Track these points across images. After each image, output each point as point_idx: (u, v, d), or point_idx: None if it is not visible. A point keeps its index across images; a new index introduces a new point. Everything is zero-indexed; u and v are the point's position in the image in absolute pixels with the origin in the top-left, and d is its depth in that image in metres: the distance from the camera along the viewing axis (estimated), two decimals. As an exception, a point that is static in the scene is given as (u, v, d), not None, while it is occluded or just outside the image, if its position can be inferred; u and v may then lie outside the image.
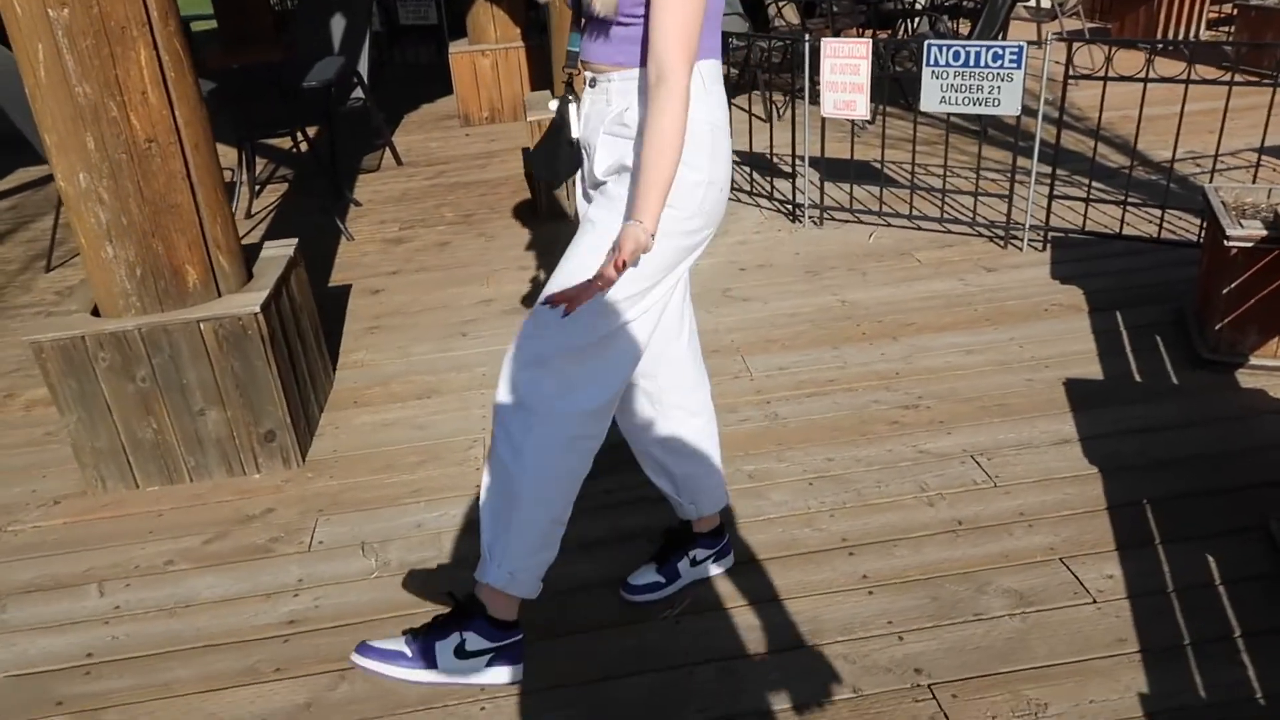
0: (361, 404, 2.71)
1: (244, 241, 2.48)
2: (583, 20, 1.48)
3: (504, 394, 1.51)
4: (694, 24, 1.33)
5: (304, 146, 4.93)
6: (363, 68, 4.82)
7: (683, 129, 1.34)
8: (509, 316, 3.20)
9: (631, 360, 1.51)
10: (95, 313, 2.27)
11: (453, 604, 1.64)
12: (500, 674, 1.63)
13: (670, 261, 1.48)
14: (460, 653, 1.60)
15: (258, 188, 4.78)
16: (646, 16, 1.35)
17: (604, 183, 1.52)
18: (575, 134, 1.57)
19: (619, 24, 1.40)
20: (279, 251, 2.58)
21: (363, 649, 1.65)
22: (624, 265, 1.32)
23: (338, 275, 3.71)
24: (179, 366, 2.21)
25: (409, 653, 1.62)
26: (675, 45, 1.32)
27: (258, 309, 2.21)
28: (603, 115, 1.50)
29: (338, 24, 4.94)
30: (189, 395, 2.25)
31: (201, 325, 2.18)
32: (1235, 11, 6.00)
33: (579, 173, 1.62)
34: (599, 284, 1.33)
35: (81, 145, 2.05)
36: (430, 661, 1.61)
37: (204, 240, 2.24)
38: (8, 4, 1.97)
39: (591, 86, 1.52)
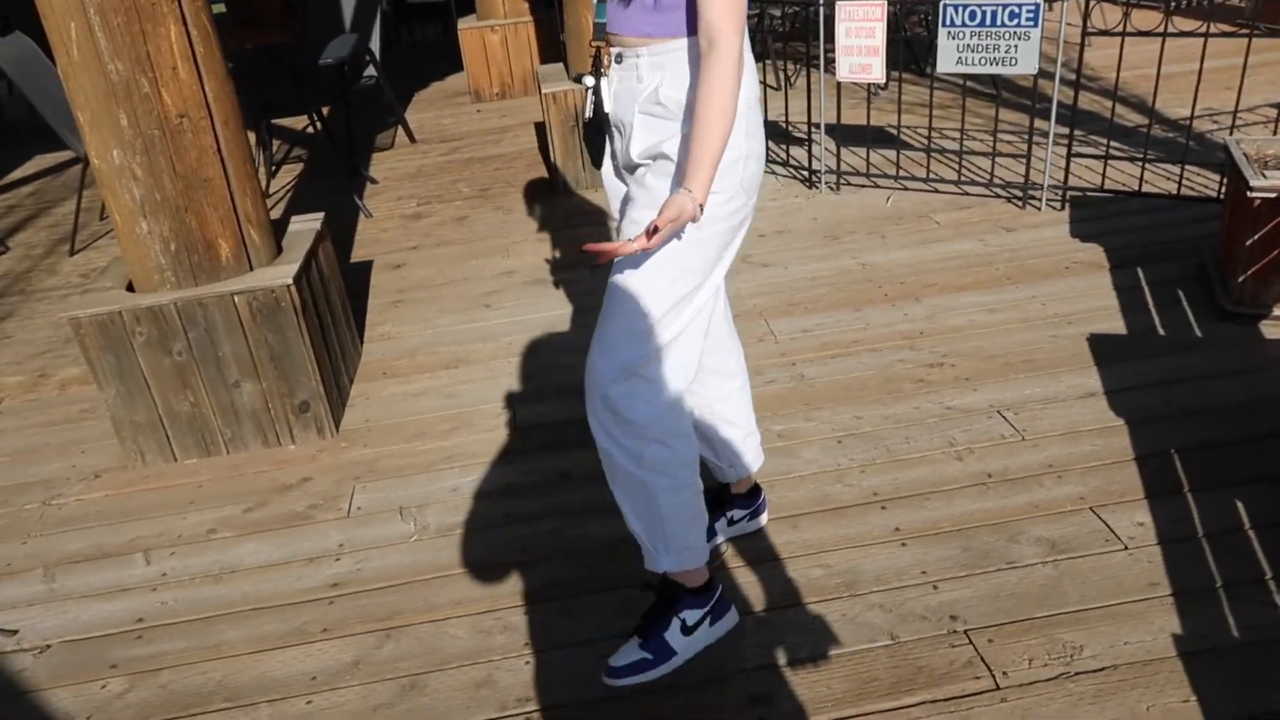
0: (390, 375, 2.74)
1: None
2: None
3: (601, 414, 1.48)
4: None
5: (319, 125, 4.96)
6: (375, 45, 4.83)
7: (736, 96, 1.31)
8: (531, 287, 3.23)
9: (700, 341, 1.50)
10: (129, 289, 2.31)
11: (654, 593, 1.66)
12: (725, 624, 1.67)
13: (721, 244, 1.45)
14: (685, 630, 1.62)
15: (274, 168, 4.81)
16: None
17: (640, 165, 1.47)
18: (607, 109, 1.51)
19: None
20: (306, 225, 2.61)
21: (611, 672, 1.61)
22: (660, 232, 1.28)
23: (359, 252, 3.74)
24: (214, 340, 2.25)
25: (650, 655, 1.62)
26: (728, 9, 1.28)
27: (290, 281, 2.24)
28: (634, 93, 1.44)
29: (349, 3, 4.94)
30: (224, 368, 2.29)
31: (236, 298, 2.22)
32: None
33: (607, 149, 1.58)
34: (637, 247, 1.30)
35: (115, 122, 2.07)
36: (669, 651, 1.62)
37: (235, 214, 2.27)
38: (37, -16, 1.99)
39: (618, 62, 1.46)
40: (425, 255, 3.62)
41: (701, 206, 1.32)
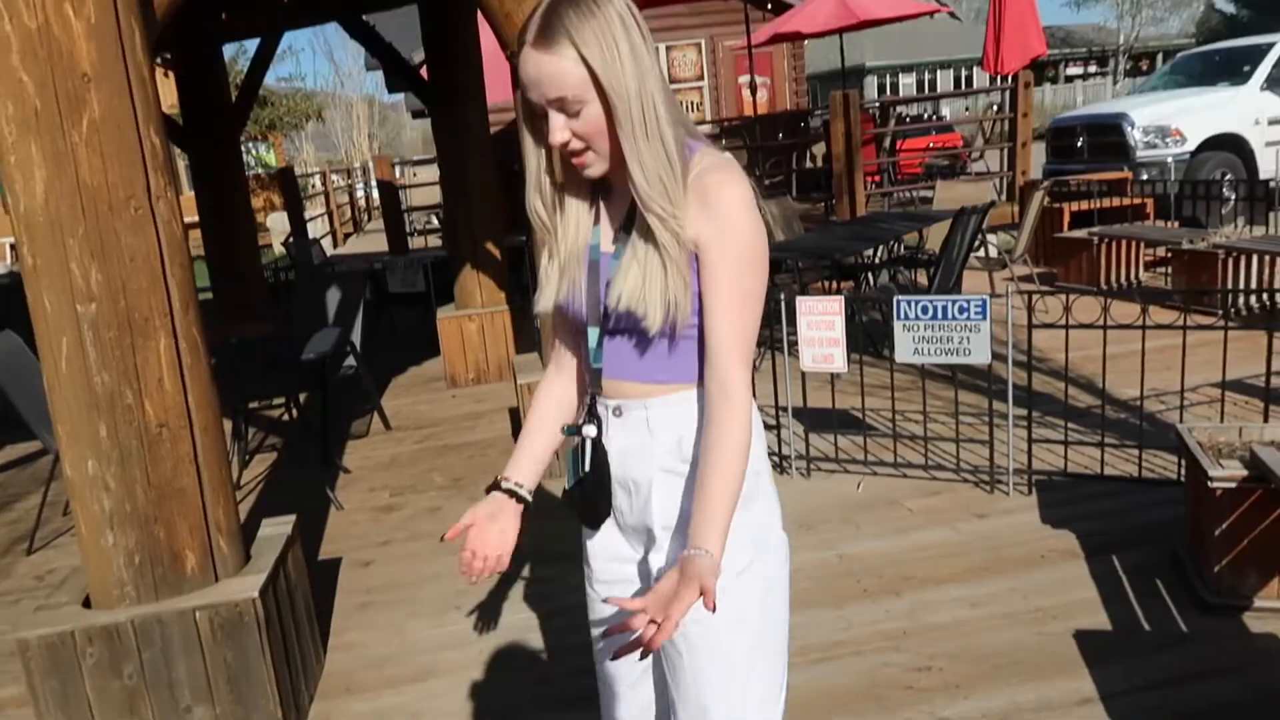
0: (354, 691, 2.59)
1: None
2: (601, 333, 1.34)
3: None
4: (756, 328, 1.26)
5: (295, 413, 5.03)
6: (356, 336, 5.01)
7: (749, 445, 1.25)
8: (504, 586, 3.15)
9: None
10: (86, 603, 2.22)
11: None
12: None
13: (784, 603, 1.39)
14: None
15: (248, 457, 4.81)
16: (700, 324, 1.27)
17: (660, 532, 1.34)
18: (613, 468, 1.37)
19: (665, 336, 1.28)
20: (277, 530, 2.57)
21: None
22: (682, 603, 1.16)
23: (328, 547, 3.66)
24: (169, 660, 2.14)
25: None
26: (739, 354, 1.23)
27: (255, 594, 2.17)
28: (648, 449, 1.33)
29: (333, 296, 5.18)
30: (176, 692, 2.16)
31: (197, 614, 2.13)
32: (1169, 255, 6.47)
33: (598, 507, 1.40)
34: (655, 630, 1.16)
35: (94, 434, 2.09)
36: None
37: (205, 523, 2.24)
38: (37, 300, 2.07)
39: (617, 415, 1.35)
40: (396, 551, 3.56)
41: (720, 565, 1.19)
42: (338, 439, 5.05)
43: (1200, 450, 2.68)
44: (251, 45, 8.08)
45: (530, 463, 1.47)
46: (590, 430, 1.36)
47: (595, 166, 1.27)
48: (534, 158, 1.32)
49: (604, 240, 1.35)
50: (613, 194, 1.36)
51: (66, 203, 2.02)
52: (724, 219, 1.23)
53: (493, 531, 1.40)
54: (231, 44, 10.98)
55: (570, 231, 1.36)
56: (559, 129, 1.22)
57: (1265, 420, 3.28)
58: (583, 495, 1.37)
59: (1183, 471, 3.19)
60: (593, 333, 1.34)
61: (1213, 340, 3.54)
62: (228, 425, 4.52)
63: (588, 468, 1.36)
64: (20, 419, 3.79)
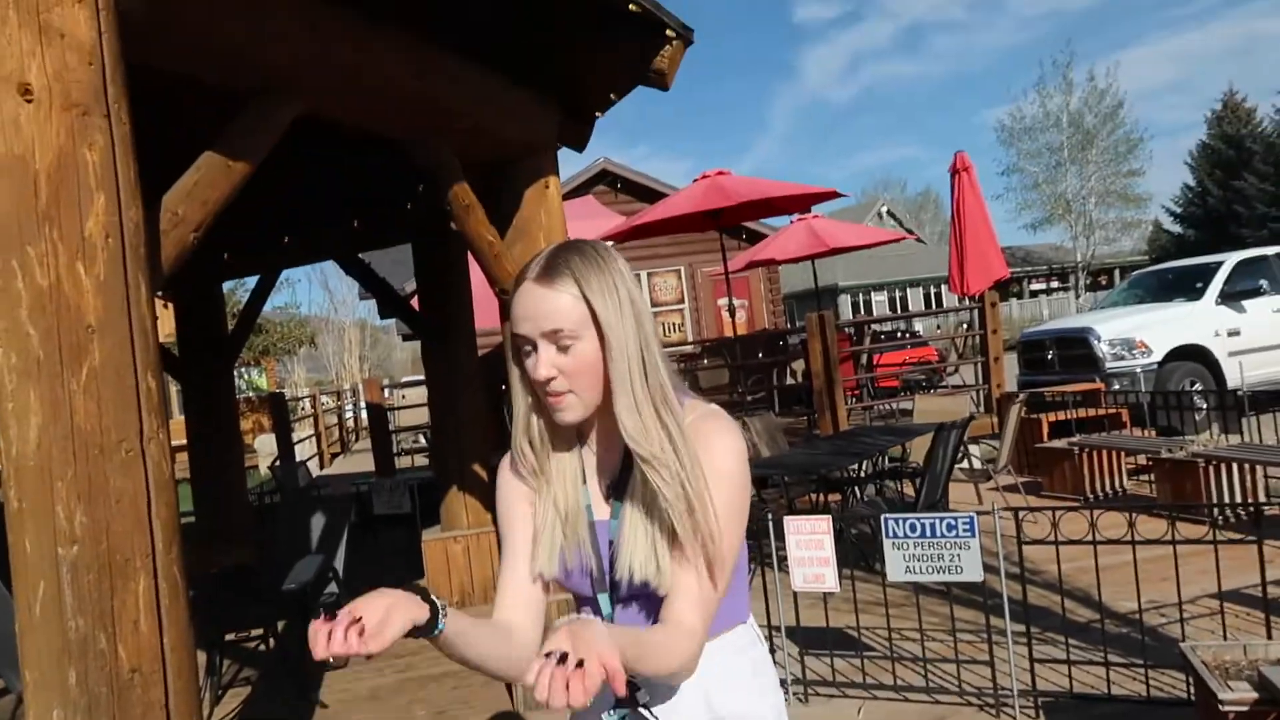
0: None
1: (211, 768, 2.33)
2: (613, 600, 1.31)
3: None
4: (725, 582, 1.27)
5: (272, 643, 4.84)
6: (339, 563, 4.92)
7: (684, 665, 1.21)
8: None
9: None
10: None
11: None
12: None
13: None
14: None
15: (220, 693, 4.59)
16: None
17: None
18: None
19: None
20: (247, 777, 2.42)
21: None
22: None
23: (299, 789, 3.43)
24: None
25: None
26: (706, 606, 1.25)
27: None
28: (675, 711, 1.30)
29: (317, 522, 5.13)
30: None
31: None
32: (1151, 463, 6.54)
33: None
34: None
35: (62, 682, 2.00)
36: None
37: (172, 774, 2.11)
38: (17, 542, 2.05)
39: (635, 690, 1.28)
40: (372, 793, 3.33)
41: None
42: (316, 671, 4.84)
43: (1207, 671, 2.61)
44: (251, 278, 8.44)
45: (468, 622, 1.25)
46: (644, 697, 1.29)
47: (572, 411, 1.26)
48: (523, 399, 1.33)
49: (594, 500, 1.34)
50: (594, 449, 1.35)
51: (59, 447, 2.04)
52: (716, 468, 1.25)
53: (377, 604, 1.12)
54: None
55: (562, 485, 1.33)
56: (546, 363, 1.24)
57: (1269, 636, 3.21)
58: None
59: (1192, 691, 3.08)
60: (604, 600, 1.31)
61: (1205, 550, 3.54)
62: (202, 659, 4.34)
63: None
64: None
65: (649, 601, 1.28)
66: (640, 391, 1.23)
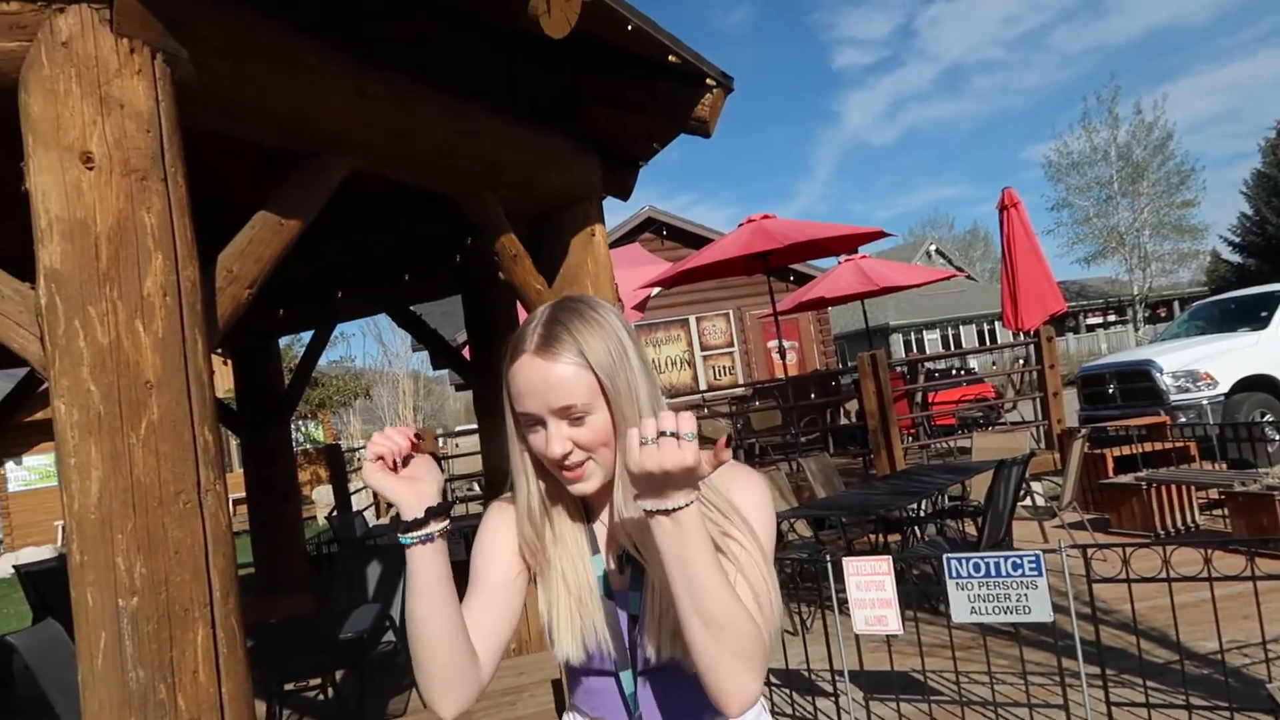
0: None
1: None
2: (635, 676, 1.24)
3: None
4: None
5: (331, 692, 4.85)
6: (396, 611, 4.93)
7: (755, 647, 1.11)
8: None
9: None
10: None
11: None
12: None
13: None
14: None
15: (279, 743, 4.60)
16: None
17: None
18: None
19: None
20: (304, 830, 2.40)
21: None
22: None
23: (357, 844, 3.40)
24: None
25: None
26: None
27: None
28: None
29: (374, 571, 5.16)
30: None
31: None
32: (1223, 496, 6.30)
33: None
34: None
35: (123, 733, 2.02)
36: None
37: (230, 828, 2.11)
38: (80, 596, 2.08)
39: None
40: (430, 847, 3.29)
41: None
42: (373, 719, 4.83)
43: (1296, 710, 2.47)
44: (306, 333, 8.62)
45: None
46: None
47: (593, 480, 1.21)
48: (524, 479, 1.26)
49: (610, 572, 1.27)
50: (605, 519, 1.29)
51: (119, 500, 2.08)
52: (748, 512, 1.20)
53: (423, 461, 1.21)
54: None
55: (570, 561, 1.27)
56: (560, 439, 1.18)
57: (1361, 673, 3.04)
58: None
59: (1282, 734, 2.92)
60: (626, 678, 1.24)
61: (1285, 586, 3.38)
62: (262, 709, 4.36)
63: None
64: (51, 710, 3.70)
65: (677, 677, 1.19)
66: None
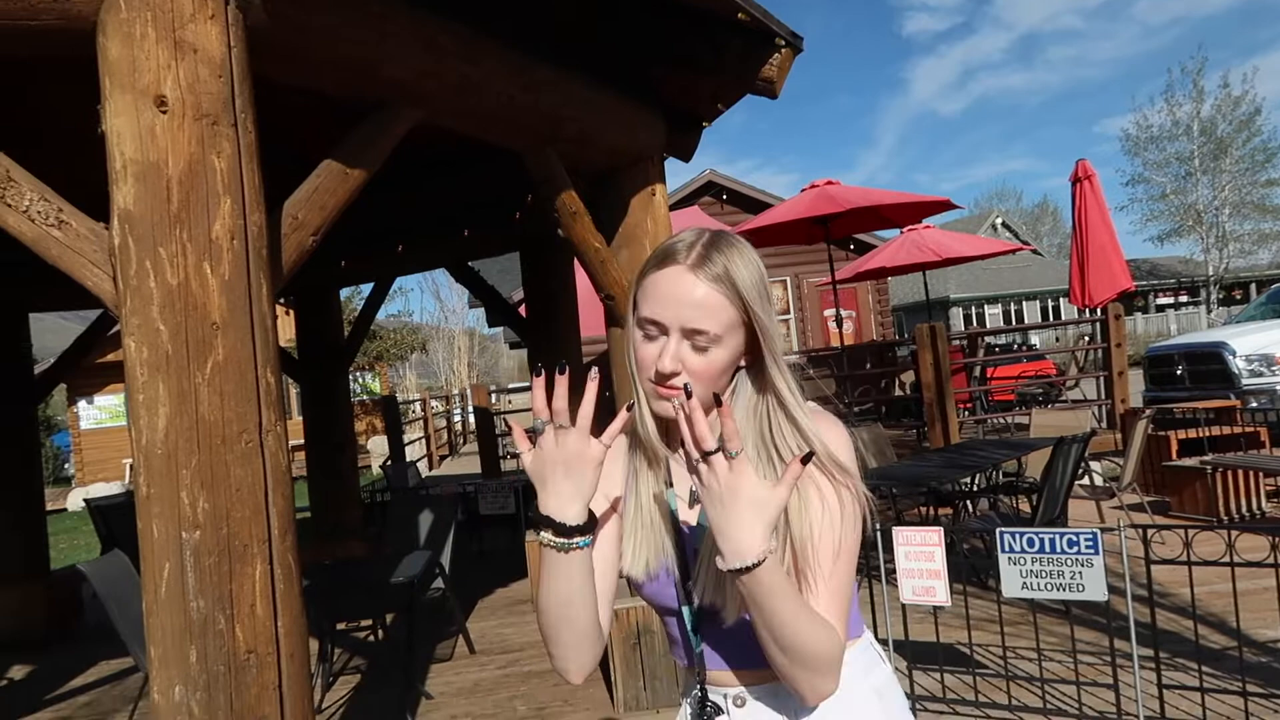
0: None
1: (320, 753, 2.40)
2: (697, 613, 1.22)
3: None
4: (850, 587, 1.19)
5: (381, 634, 4.98)
6: (445, 559, 5.02)
7: (827, 654, 1.12)
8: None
9: None
10: (157, 839, 2.14)
11: None
12: None
13: None
14: None
15: (331, 679, 4.74)
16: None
17: None
18: None
19: None
20: (354, 763, 2.48)
21: None
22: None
23: (404, 781, 3.51)
24: None
25: None
26: (838, 610, 1.16)
27: (327, 835, 2.07)
28: None
29: (425, 519, 5.26)
30: None
31: None
32: (1293, 484, 6.12)
33: None
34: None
35: (184, 659, 2.10)
36: None
37: (283, 755, 2.18)
38: (146, 527, 2.15)
39: (739, 705, 1.22)
40: (473, 788, 3.38)
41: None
42: (422, 662, 4.95)
43: (1359, 703, 2.40)
44: (366, 286, 8.75)
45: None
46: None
47: (671, 405, 1.17)
48: (643, 378, 1.23)
49: (679, 505, 1.25)
50: (677, 447, 1.23)
51: (184, 437, 2.14)
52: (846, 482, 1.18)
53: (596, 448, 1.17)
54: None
55: (648, 482, 1.26)
56: (672, 357, 1.16)
57: None
58: None
59: (1342, 727, 2.85)
60: (687, 614, 1.22)
61: (1355, 577, 3.27)
62: (315, 646, 4.51)
63: None
64: (117, 636, 3.86)
65: (746, 629, 1.15)
66: (797, 392, 1.20)
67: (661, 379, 1.18)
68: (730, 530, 1.05)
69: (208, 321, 2.18)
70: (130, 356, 2.16)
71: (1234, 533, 3.18)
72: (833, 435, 1.20)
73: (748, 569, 1.05)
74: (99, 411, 19.84)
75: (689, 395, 1.06)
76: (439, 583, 4.98)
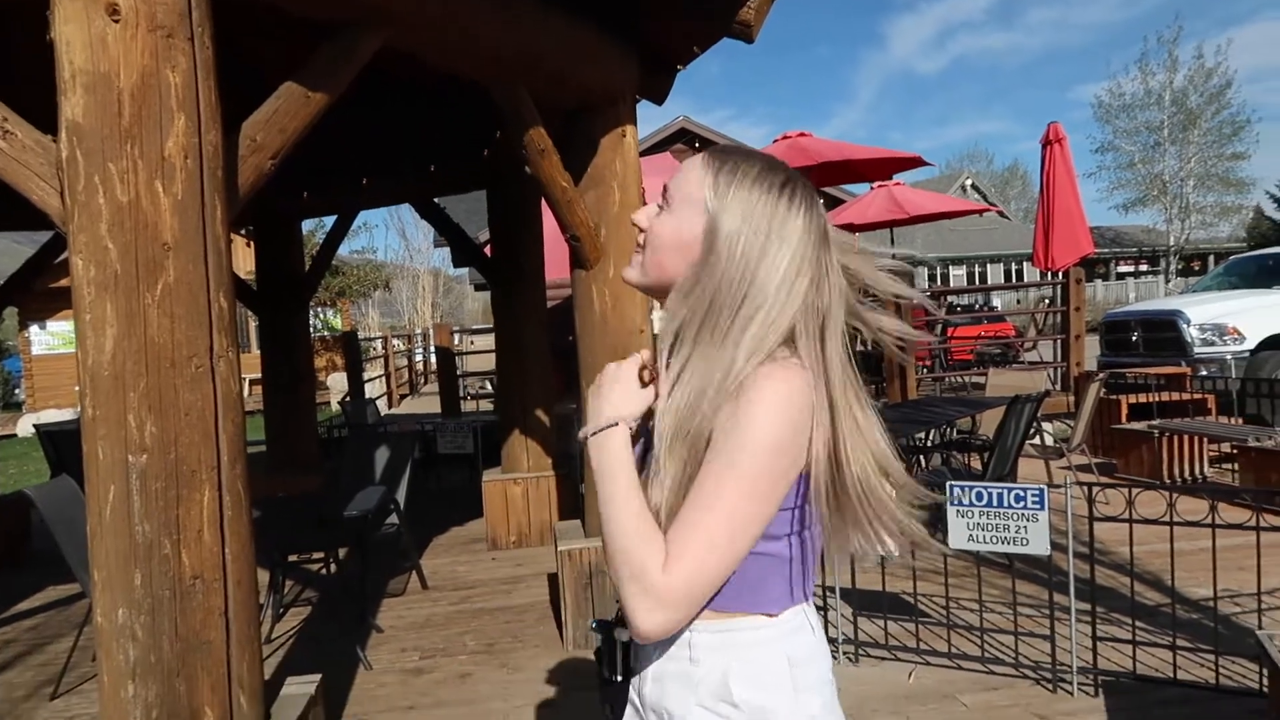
0: None
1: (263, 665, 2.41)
2: None
3: None
4: (728, 547, 1.11)
5: (333, 568, 4.98)
6: (401, 496, 5.02)
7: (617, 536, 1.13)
8: (531, 763, 2.99)
9: None
10: (99, 759, 2.14)
11: None
12: None
13: None
14: None
15: (282, 610, 4.75)
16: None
17: None
18: (644, 692, 1.24)
19: None
20: (299, 690, 2.49)
21: None
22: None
23: (352, 709, 3.54)
24: (175, 825, 2.03)
25: None
26: (690, 554, 1.11)
27: (271, 759, 2.08)
28: (689, 679, 1.18)
29: (382, 456, 5.23)
30: None
31: (208, 780, 2.04)
32: (1235, 451, 6.28)
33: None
34: None
35: (128, 582, 2.08)
36: None
37: (229, 680, 2.18)
38: (91, 450, 2.12)
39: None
40: (420, 718, 3.41)
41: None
42: (374, 596, 4.97)
43: (1281, 658, 2.50)
44: (329, 219, 8.59)
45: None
46: (623, 634, 1.25)
47: (632, 270, 1.26)
48: None
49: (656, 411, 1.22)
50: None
51: (133, 359, 2.09)
52: (746, 409, 1.09)
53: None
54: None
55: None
56: (644, 211, 1.24)
57: (1351, 629, 3.06)
58: (614, 693, 1.29)
59: (1264, 682, 2.96)
60: None
61: (1286, 541, 3.37)
62: (265, 577, 4.50)
63: (619, 675, 1.28)
64: (64, 561, 3.82)
65: None
66: (707, 344, 1.13)
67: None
68: (596, 407, 1.22)
69: (158, 242, 2.12)
70: (77, 275, 2.10)
71: (1175, 494, 3.26)
72: (763, 386, 1.11)
73: (594, 432, 1.19)
74: (51, 337, 19.42)
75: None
76: (394, 519, 4.98)
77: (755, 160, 1.18)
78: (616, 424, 1.19)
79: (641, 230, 1.23)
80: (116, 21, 2.11)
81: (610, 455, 1.17)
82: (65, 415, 15.57)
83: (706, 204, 1.17)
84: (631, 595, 1.09)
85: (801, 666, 1.19)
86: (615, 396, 1.21)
